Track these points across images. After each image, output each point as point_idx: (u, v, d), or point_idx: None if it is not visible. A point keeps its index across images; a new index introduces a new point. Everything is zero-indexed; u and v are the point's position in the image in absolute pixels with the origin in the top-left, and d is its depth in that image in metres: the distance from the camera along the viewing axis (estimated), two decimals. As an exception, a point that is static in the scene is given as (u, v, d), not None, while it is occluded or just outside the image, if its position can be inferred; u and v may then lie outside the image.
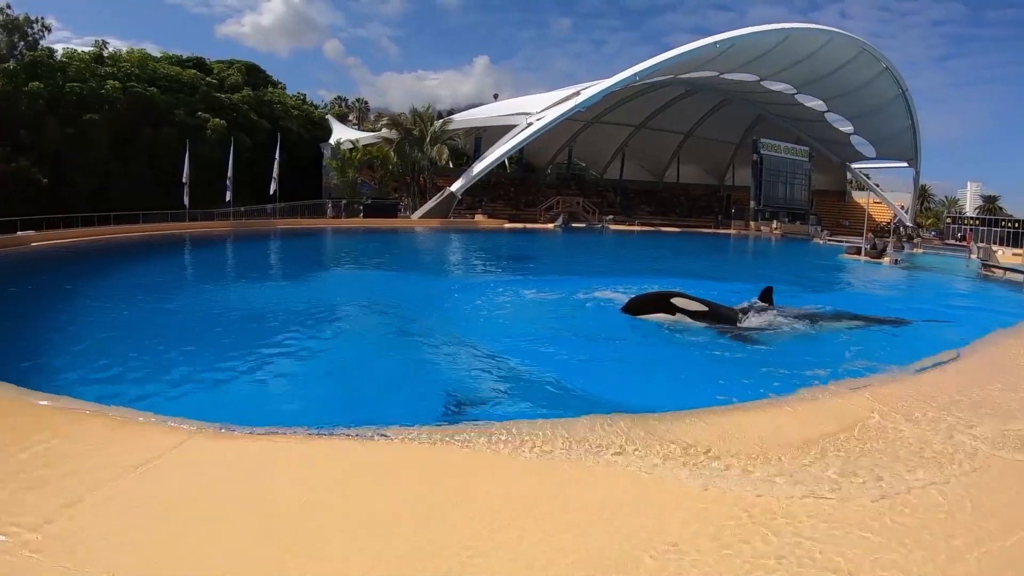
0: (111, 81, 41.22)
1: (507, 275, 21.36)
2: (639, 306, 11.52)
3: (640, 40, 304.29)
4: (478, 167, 44.17)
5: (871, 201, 63.79)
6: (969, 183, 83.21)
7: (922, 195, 64.64)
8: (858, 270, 28.03)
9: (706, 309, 11.25)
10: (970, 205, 77.19)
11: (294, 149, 49.06)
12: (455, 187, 43.99)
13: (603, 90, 43.32)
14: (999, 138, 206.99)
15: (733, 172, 69.06)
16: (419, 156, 45.84)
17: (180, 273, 20.99)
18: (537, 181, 59.90)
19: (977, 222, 54.92)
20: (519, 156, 55.84)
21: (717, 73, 49.78)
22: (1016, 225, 50.84)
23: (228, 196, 39.79)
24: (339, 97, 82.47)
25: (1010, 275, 26.04)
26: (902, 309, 15.89)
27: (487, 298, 14.24)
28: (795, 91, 52.16)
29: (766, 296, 12.87)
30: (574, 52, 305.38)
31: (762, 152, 52.06)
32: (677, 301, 11.18)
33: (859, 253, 32.47)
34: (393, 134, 48.29)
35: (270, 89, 55.64)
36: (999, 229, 51.06)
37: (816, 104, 53.49)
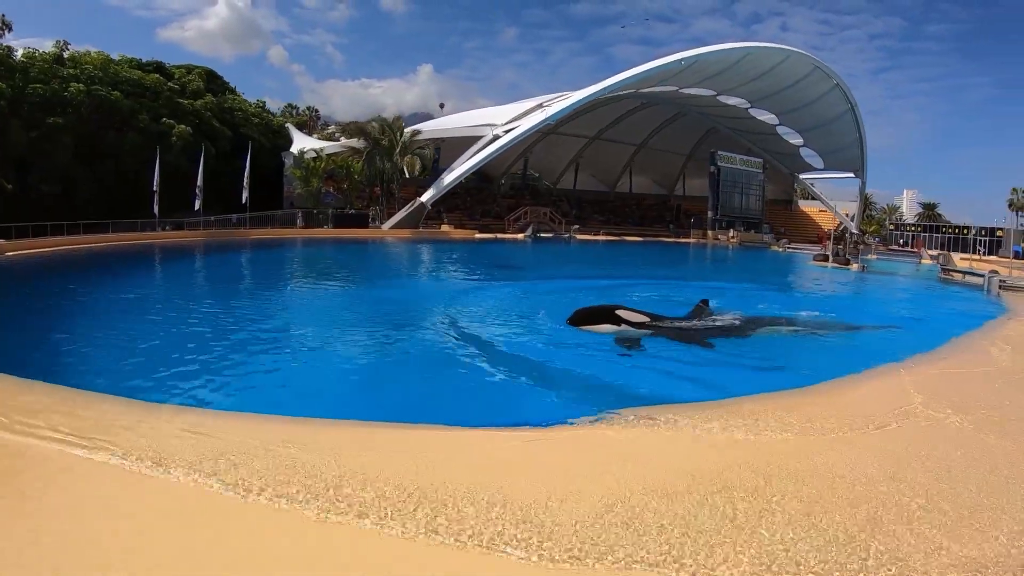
0: (75, 84, 40.20)
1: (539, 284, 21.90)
2: (584, 318, 11.73)
3: (585, 51, 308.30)
4: (449, 177, 44.72)
5: (817, 210, 66.98)
6: (906, 191, 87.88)
7: (864, 203, 67.84)
8: (834, 277, 29.78)
9: (648, 319, 11.78)
10: (908, 212, 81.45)
11: (256, 158, 48.46)
12: (425, 197, 44.44)
13: (574, 103, 44.50)
14: (933, 148, 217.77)
15: (684, 182, 71.47)
16: (388, 166, 45.98)
17: (193, 288, 20.48)
18: (492, 191, 60.47)
19: (919, 229, 58.27)
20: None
21: (676, 88, 51.50)
22: (956, 231, 54.22)
23: (197, 205, 39.33)
24: (290, 105, 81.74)
25: (969, 278, 28.42)
26: (890, 311, 18.01)
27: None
28: (749, 105, 54.34)
29: (703, 307, 13.42)
30: (519, 62, 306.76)
31: (719, 164, 54.07)
32: (622, 313, 11.62)
33: (826, 260, 34.51)
34: (360, 143, 48.30)
35: (230, 96, 54.95)
36: (940, 235, 54.40)
37: (768, 118, 55.82)
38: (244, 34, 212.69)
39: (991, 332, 13.22)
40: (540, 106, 51.63)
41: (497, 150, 43.82)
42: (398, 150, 45.75)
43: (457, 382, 8.99)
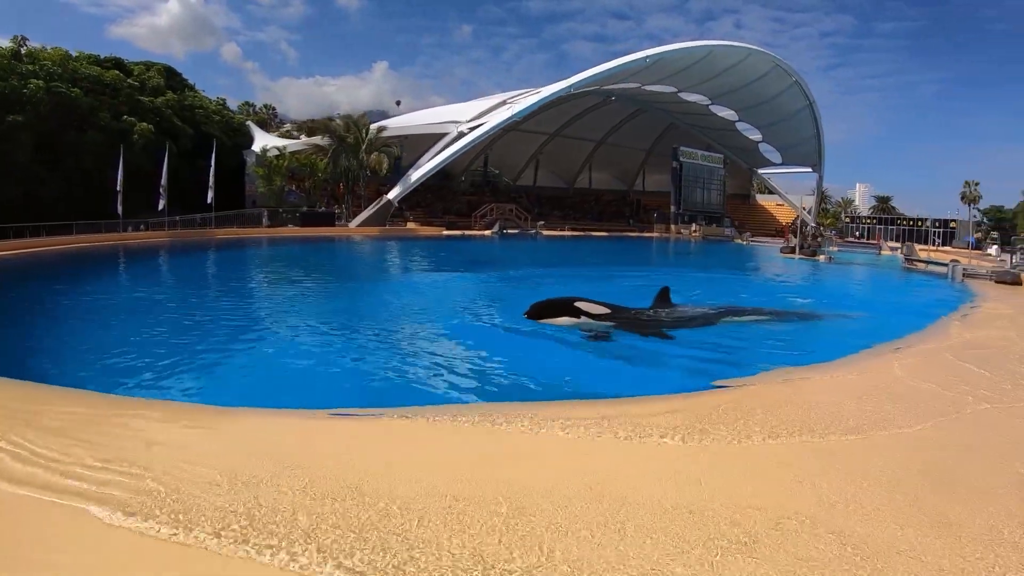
0: (34, 80, 39.30)
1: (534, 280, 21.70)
2: (542, 311, 11.63)
3: (538, 47, 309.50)
4: (416, 174, 44.86)
5: (775, 204, 68.66)
6: (859, 184, 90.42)
7: (821, 196, 69.72)
8: (803, 268, 30.92)
9: (608, 311, 11.63)
10: (862, 205, 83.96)
11: (218, 156, 47.80)
12: (392, 195, 44.54)
13: (541, 99, 45.08)
14: (883, 143, 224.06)
15: (643, 178, 72.58)
16: (354, 164, 45.91)
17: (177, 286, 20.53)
18: (454, 188, 60.52)
19: (875, 221, 60.18)
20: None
21: (639, 84, 52.36)
22: (911, 223, 56.14)
23: (162, 204, 38.92)
24: (246, 103, 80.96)
25: (931, 267, 29.88)
26: (864, 298, 19.03)
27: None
28: (710, 102, 55.50)
29: (664, 297, 13.09)
30: (473, 59, 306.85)
31: (681, 160, 55.23)
32: (581, 305, 11.46)
33: (794, 252, 35.73)
34: (325, 141, 48.10)
35: (190, 93, 54.14)
36: (895, 227, 56.34)
37: (728, 114, 57.09)
38: (197, 31, 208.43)
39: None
40: (504, 103, 52.07)
41: (465, 146, 44.19)
42: (364, 147, 45.63)
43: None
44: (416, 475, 4.38)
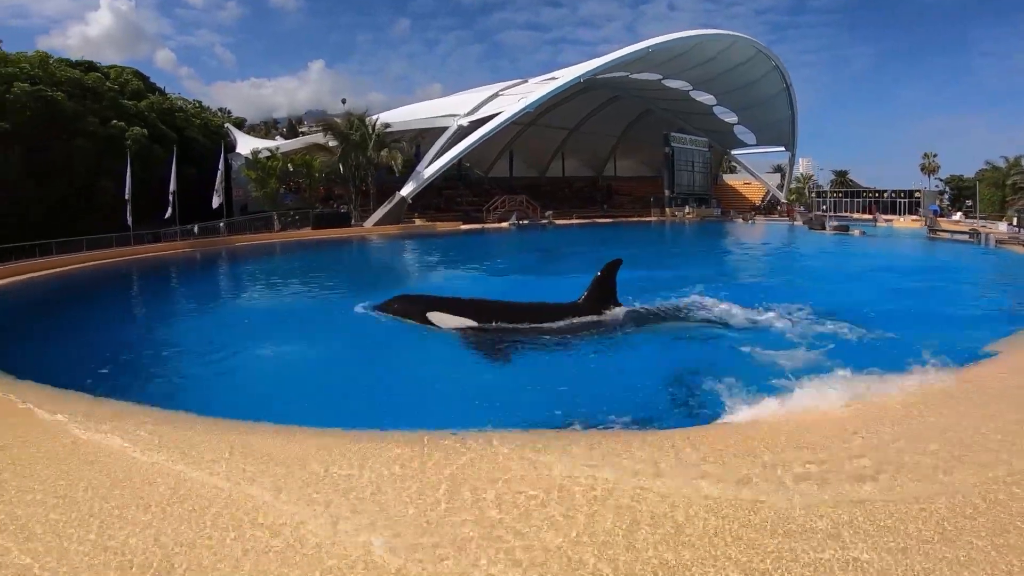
0: (19, 84, 36.23)
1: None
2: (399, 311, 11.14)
3: (473, 39, 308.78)
4: (428, 170, 44.15)
5: (742, 183, 71.13)
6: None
7: (780, 172, 72.58)
8: (855, 243, 32.55)
9: (473, 323, 10.34)
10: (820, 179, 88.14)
11: (201, 161, 45.44)
12: (405, 191, 43.68)
13: (552, 90, 45.37)
14: (819, 116, 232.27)
15: (615, 163, 73.75)
16: (363, 162, 44.68)
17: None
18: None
19: (840, 194, 63.28)
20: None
21: (627, 74, 53.18)
22: (875, 195, 59.37)
23: (169, 212, 36.87)
24: (199, 105, 77.18)
25: (956, 236, 31.95)
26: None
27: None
28: (691, 88, 56.98)
29: (606, 279, 11.07)
30: (408, 53, 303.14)
31: (673, 145, 56.59)
32: (433, 316, 10.54)
33: (824, 228, 37.56)
34: (324, 139, 46.58)
35: (166, 96, 51.26)
36: (860, 200, 59.50)
37: (706, 99, 58.75)
38: (129, 38, 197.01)
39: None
40: (497, 94, 51.94)
41: (480, 138, 43.73)
42: (371, 144, 44.45)
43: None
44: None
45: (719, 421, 6.26)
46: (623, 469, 4.73)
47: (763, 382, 7.21)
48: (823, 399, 6.44)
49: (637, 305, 11.47)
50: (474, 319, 10.27)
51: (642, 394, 7.60)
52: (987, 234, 29.86)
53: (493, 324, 10.23)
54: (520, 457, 5.01)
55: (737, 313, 11.38)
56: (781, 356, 8.65)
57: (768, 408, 6.36)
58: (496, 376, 8.49)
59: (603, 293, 10.91)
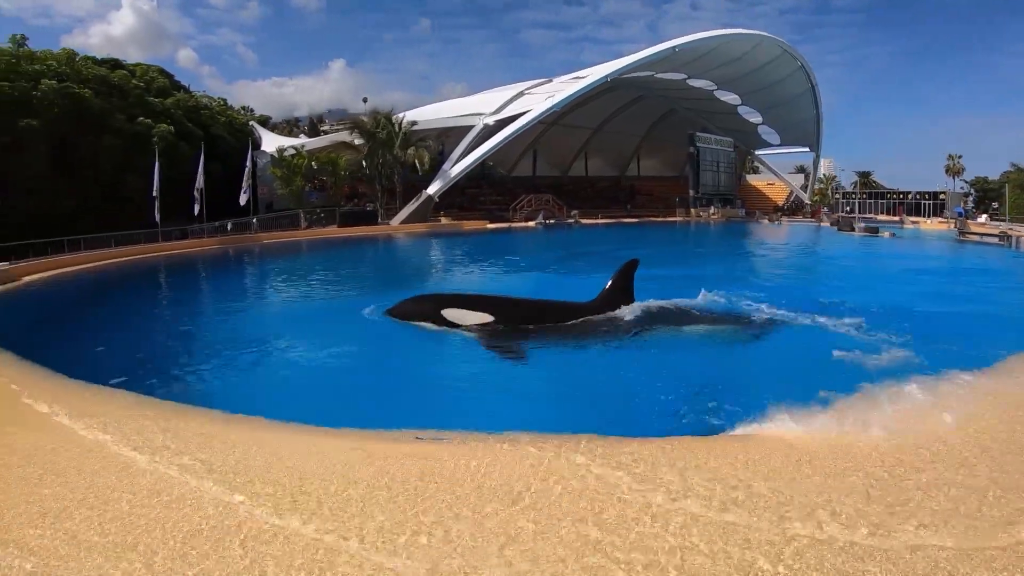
0: (46, 81, 36.06)
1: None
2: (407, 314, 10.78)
3: (494, 37, 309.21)
4: (455, 169, 43.88)
5: (765, 183, 70.54)
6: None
7: (803, 173, 71.88)
8: (888, 246, 32.06)
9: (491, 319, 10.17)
10: (844, 180, 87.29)
11: (227, 158, 45.30)
12: (432, 189, 43.40)
13: (579, 90, 44.98)
14: (843, 117, 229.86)
15: (638, 163, 73.24)
16: (390, 160, 44.40)
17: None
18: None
19: (864, 195, 62.62)
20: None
21: (652, 73, 52.74)
22: (900, 196, 58.66)
23: (197, 210, 36.64)
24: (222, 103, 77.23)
25: (985, 239, 31.44)
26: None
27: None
28: (715, 87, 56.47)
29: (624, 279, 11.06)
30: (429, 52, 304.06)
31: (698, 145, 56.05)
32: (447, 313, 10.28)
33: (853, 229, 36.96)
34: (350, 137, 46.29)
35: (188, 95, 51.10)
36: (884, 201, 58.77)
37: (731, 98, 58.26)
38: (152, 37, 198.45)
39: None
40: (522, 93, 51.66)
41: (508, 136, 43.47)
42: (398, 143, 44.16)
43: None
44: None
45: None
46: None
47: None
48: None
49: (651, 303, 11.21)
50: (491, 315, 10.10)
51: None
52: (1018, 237, 29.37)
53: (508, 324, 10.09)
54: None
55: (780, 316, 11.09)
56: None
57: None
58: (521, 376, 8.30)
59: (620, 292, 10.86)
